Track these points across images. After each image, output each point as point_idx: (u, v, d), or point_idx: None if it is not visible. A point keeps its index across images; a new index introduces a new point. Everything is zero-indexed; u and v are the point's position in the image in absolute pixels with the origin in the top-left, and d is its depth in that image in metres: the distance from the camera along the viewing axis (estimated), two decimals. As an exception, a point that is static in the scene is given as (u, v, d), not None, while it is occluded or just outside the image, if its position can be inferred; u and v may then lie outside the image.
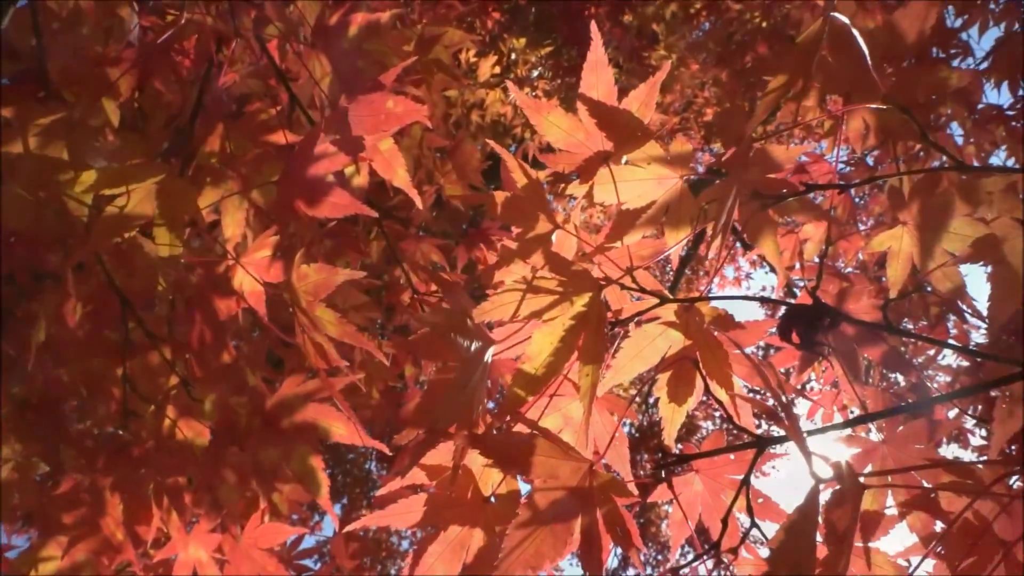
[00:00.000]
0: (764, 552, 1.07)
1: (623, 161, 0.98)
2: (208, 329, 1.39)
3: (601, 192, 0.98)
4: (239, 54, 1.74)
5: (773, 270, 1.19)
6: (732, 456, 1.14)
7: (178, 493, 1.34)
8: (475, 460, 0.92)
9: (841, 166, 2.68)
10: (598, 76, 0.93)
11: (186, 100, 1.70)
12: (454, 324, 0.76)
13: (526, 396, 0.79)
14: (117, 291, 1.28)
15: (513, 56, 5.41)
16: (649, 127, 0.94)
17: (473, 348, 0.76)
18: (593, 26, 0.93)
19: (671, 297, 0.98)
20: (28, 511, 1.43)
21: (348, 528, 0.91)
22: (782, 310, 0.97)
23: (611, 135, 0.93)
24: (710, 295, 0.99)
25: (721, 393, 1.03)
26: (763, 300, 1.23)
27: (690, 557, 0.92)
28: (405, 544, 7.72)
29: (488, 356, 0.78)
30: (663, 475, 1.04)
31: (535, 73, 5.57)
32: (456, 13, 2.15)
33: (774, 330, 0.98)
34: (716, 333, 1.01)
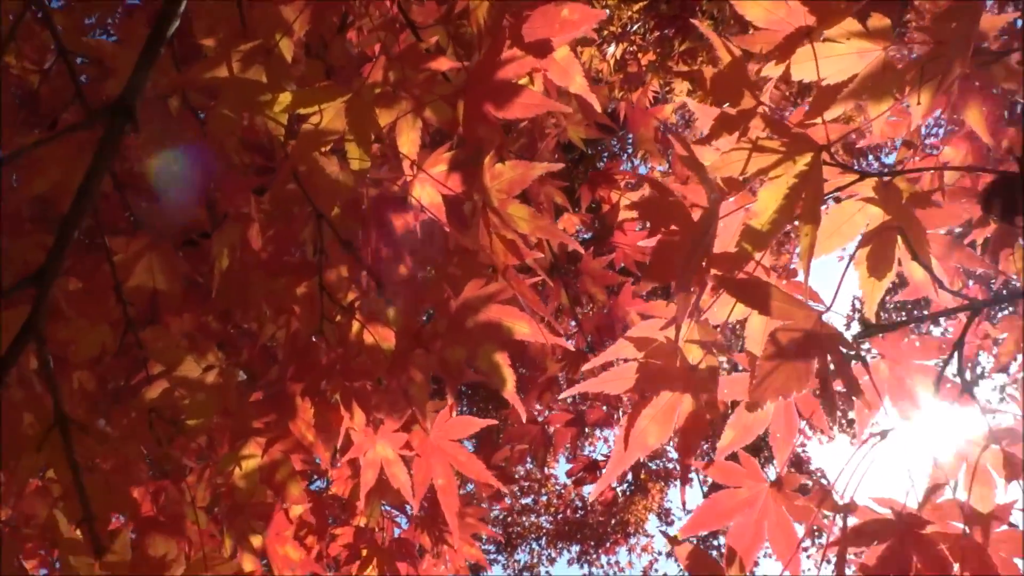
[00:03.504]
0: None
1: (821, 39, 0.99)
2: (384, 245, 1.47)
3: (799, 70, 0.99)
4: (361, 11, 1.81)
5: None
6: (918, 343, 1.15)
7: (365, 396, 1.43)
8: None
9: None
10: (799, -50, 0.94)
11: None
12: (697, 171, 0.80)
13: (753, 251, 0.82)
14: (313, 205, 1.37)
15: (607, 13, 5.38)
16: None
17: (712, 199, 0.80)
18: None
19: (870, 172, 0.99)
20: (226, 414, 1.55)
21: (563, 395, 0.96)
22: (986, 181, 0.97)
23: (814, 8, 0.95)
24: (909, 169, 1.00)
25: (917, 269, 1.04)
26: (969, 169, 1.21)
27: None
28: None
29: (721, 210, 0.82)
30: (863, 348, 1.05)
31: (632, 28, 5.53)
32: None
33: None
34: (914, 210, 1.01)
